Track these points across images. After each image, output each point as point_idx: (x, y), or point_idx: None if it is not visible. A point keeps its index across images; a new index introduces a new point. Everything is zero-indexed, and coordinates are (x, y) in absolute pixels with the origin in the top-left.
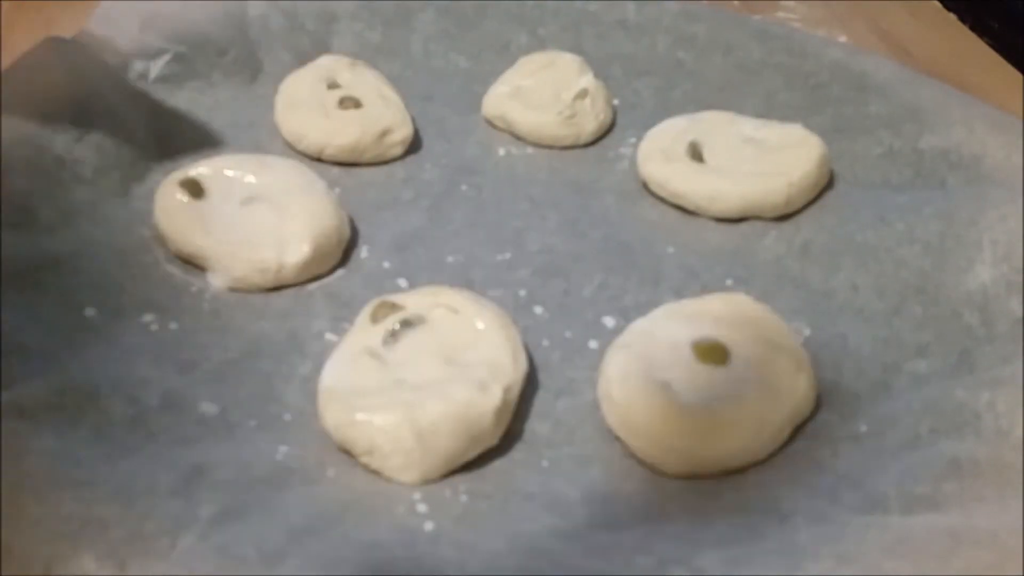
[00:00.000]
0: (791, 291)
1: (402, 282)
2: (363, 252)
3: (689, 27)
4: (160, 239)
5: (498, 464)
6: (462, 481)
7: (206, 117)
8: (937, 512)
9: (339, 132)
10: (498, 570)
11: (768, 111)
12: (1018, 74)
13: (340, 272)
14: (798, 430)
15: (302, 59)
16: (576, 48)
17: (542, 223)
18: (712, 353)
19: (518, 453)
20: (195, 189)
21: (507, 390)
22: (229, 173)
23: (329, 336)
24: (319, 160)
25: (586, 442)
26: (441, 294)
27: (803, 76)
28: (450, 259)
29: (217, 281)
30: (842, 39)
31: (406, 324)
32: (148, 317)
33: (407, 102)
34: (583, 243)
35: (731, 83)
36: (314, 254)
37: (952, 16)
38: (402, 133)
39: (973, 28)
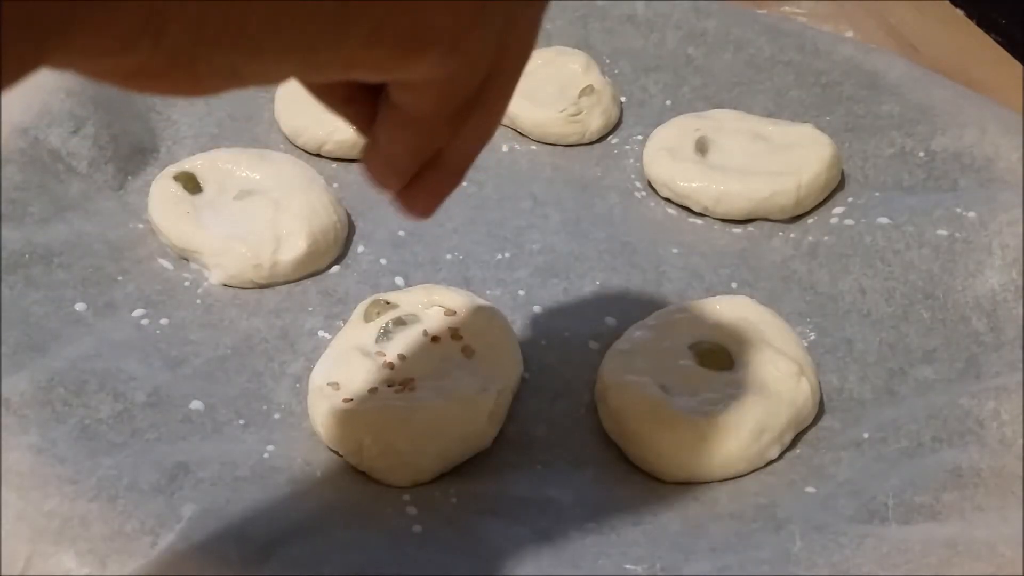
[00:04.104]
0: (797, 294)
1: (399, 280)
2: (360, 248)
3: (699, 23)
4: (154, 233)
5: (491, 466)
6: (453, 483)
7: (204, 110)
8: (936, 522)
9: (339, 127)
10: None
11: (778, 109)
12: None
13: (336, 268)
14: (799, 436)
15: None
16: (583, 43)
17: (544, 222)
18: (713, 357)
19: (512, 456)
20: (190, 183)
21: (501, 391)
22: (225, 167)
23: (322, 334)
24: (318, 155)
25: (582, 446)
26: (436, 293)
27: (814, 74)
28: (448, 257)
29: (211, 276)
30: (849, 34)
31: (399, 323)
32: (139, 312)
33: None
34: (585, 243)
35: (741, 80)
36: (310, 250)
37: (959, 12)
38: None
39: (980, 24)
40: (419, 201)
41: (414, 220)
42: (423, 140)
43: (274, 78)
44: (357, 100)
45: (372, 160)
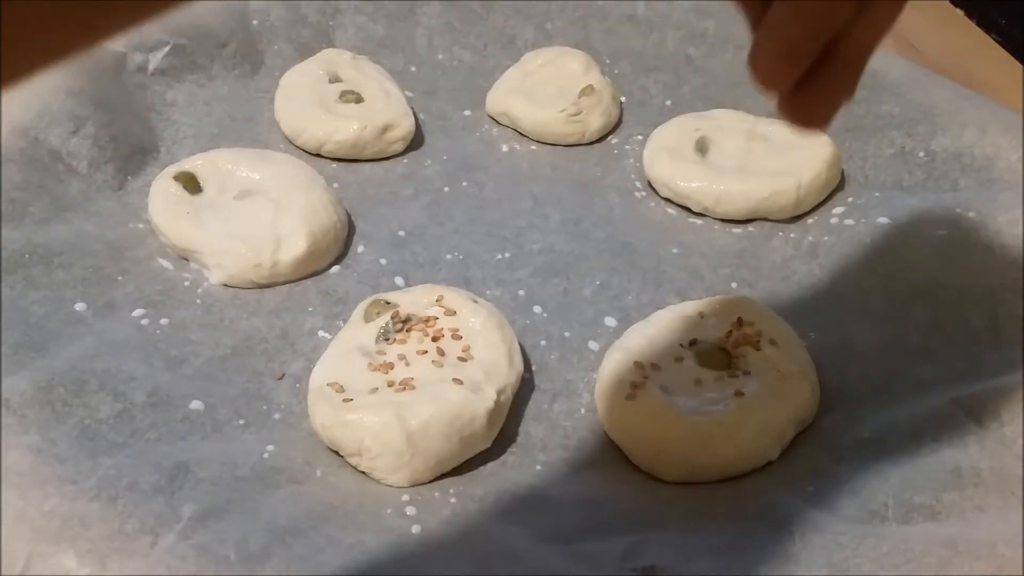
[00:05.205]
0: (797, 293)
1: (399, 280)
2: (360, 248)
3: (699, 23)
4: (154, 233)
5: (490, 467)
6: (452, 483)
7: (204, 110)
8: (935, 522)
9: (339, 127)
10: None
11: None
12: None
13: (336, 268)
14: (799, 436)
15: (304, 52)
16: (584, 43)
17: (544, 222)
18: (713, 357)
19: (511, 456)
20: (191, 183)
21: (501, 392)
22: (226, 167)
23: (322, 334)
24: (318, 155)
25: (582, 446)
26: (436, 293)
27: None
28: (448, 257)
29: (211, 276)
30: None
31: (399, 323)
32: (139, 312)
33: (410, 97)
34: (585, 243)
35: (741, 80)
36: (310, 251)
37: (958, 12)
38: (404, 129)
39: (980, 24)
40: (811, 105)
41: (805, 132)
42: (822, 19)
43: None
44: None
45: (762, 51)
